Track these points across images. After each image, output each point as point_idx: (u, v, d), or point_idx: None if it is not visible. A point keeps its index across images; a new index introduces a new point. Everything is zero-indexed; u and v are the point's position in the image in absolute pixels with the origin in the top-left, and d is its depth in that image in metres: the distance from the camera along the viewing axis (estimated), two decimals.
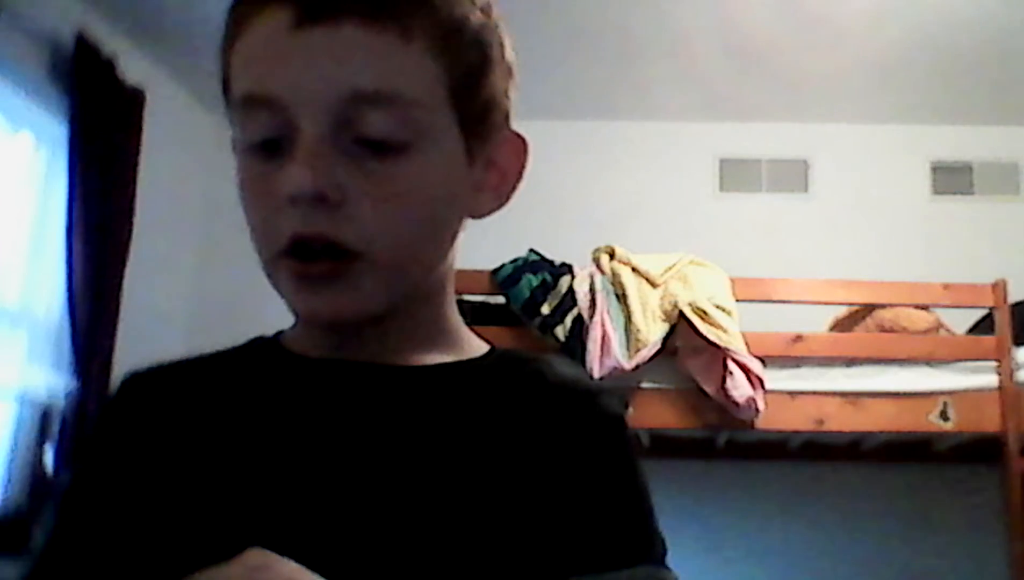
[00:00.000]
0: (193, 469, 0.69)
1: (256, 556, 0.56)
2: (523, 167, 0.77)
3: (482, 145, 0.73)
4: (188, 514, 0.67)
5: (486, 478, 0.67)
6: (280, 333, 0.78)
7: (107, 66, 3.34)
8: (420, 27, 0.66)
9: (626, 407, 0.79)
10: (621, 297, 3.06)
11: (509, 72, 0.76)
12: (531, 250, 3.26)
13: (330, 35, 0.64)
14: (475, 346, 0.78)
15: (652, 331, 2.98)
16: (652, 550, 0.71)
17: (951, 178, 4.35)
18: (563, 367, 0.77)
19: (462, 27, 0.69)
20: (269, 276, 0.70)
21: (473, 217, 0.76)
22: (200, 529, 0.66)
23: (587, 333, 2.98)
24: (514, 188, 0.78)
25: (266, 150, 0.67)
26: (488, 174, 0.75)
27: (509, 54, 0.76)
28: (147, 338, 3.62)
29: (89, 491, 0.72)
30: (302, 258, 0.66)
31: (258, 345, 0.78)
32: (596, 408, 0.74)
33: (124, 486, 0.70)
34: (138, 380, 0.77)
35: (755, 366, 2.93)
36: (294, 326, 0.77)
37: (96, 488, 0.72)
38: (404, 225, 0.67)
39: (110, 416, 0.76)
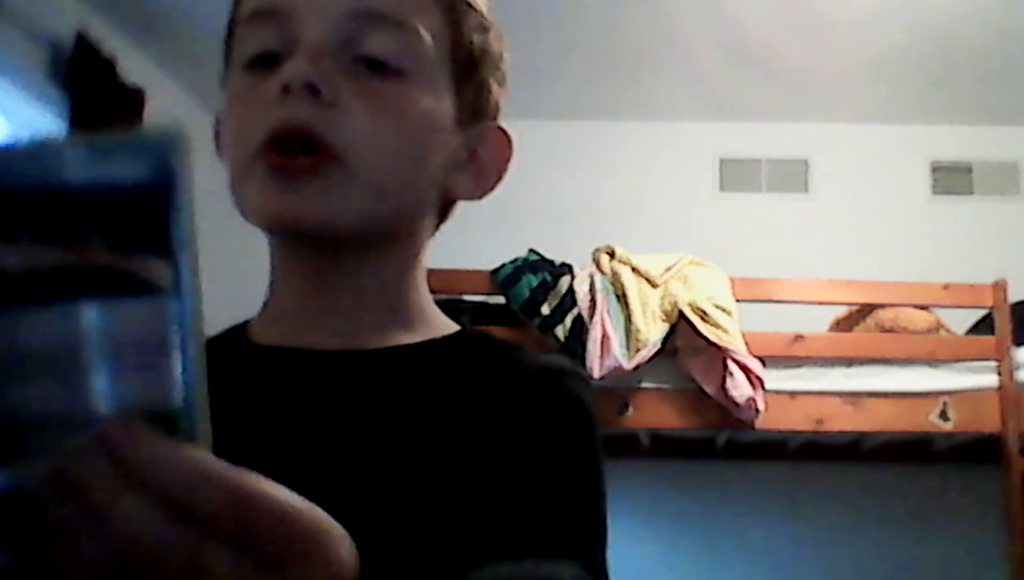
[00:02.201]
0: None
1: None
2: (506, 162, 0.77)
3: (469, 120, 0.73)
4: None
5: (429, 458, 0.65)
6: (247, 322, 0.77)
7: (107, 66, 3.34)
8: (464, 23, 0.70)
9: (588, 387, 0.72)
10: (621, 297, 3.06)
11: (503, 77, 0.77)
12: (531, 250, 3.26)
13: (367, 28, 0.66)
14: (443, 326, 0.75)
15: (652, 331, 2.98)
16: (581, 542, 0.65)
17: (951, 178, 4.35)
18: (533, 351, 0.74)
19: (471, 7, 0.72)
20: (236, 192, 0.69)
21: (447, 195, 0.75)
22: None
23: (587, 333, 2.98)
24: (495, 182, 0.77)
25: (262, 65, 0.67)
26: (470, 159, 0.75)
27: (505, 63, 0.77)
28: None
29: None
30: (281, 153, 0.64)
31: (227, 335, 0.77)
32: (557, 388, 0.70)
33: None
34: None
35: (755, 366, 2.93)
36: (260, 314, 0.76)
37: None
38: (389, 140, 0.67)
39: None
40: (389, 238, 0.71)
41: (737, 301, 3.11)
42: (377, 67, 0.66)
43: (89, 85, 3.23)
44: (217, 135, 0.75)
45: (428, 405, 0.68)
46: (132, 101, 3.48)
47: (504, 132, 0.77)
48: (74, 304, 0.35)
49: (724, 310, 3.02)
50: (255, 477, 0.36)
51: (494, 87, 0.76)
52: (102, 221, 0.36)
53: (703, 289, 3.07)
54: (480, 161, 0.75)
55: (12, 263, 0.35)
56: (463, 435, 0.66)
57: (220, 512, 0.35)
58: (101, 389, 0.36)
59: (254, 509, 0.35)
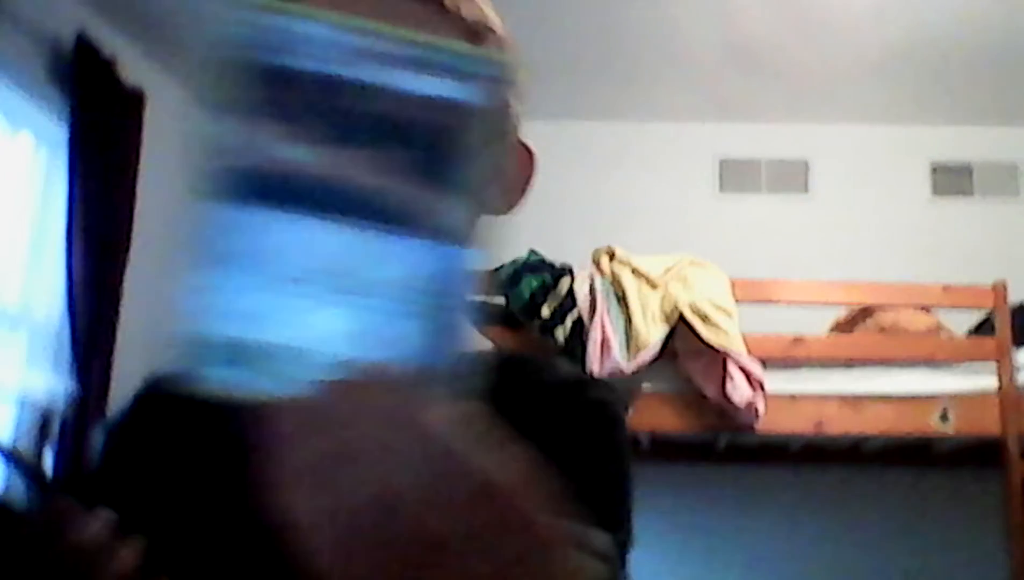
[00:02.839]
0: (185, 481, 0.71)
1: None
2: (531, 177, 0.78)
3: None
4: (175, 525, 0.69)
5: None
6: None
7: (107, 66, 3.33)
8: (455, 8, 0.70)
9: (613, 393, 0.79)
10: (621, 299, 3.05)
11: (520, 95, 0.77)
12: (531, 251, 3.26)
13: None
14: (474, 344, 0.77)
15: (652, 333, 2.98)
16: (612, 529, 0.69)
17: (951, 179, 4.35)
18: (561, 366, 0.78)
19: (491, 30, 0.73)
20: None
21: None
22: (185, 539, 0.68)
23: (587, 335, 2.98)
24: (521, 198, 0.77)
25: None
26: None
27: (523, 79, 0.78)
28: (147, 340, 3.62)
29: (110, 484, 0.75)
30: None
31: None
32: (584, 396, 0.75)
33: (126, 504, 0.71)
34: (158, 385, 0.79)
35: (755, 369, 2.92)
36: None
37: (116, 483, 0.74)
38: None
39: (122, 430, 0.78)
40: None
41: (737, 303, 3.10)
42: None
43: (89, 85, 3.23)
44: None
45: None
46: (132, 101, 3.48)
47: (527, 148, 0.78)
48: (342, 224, 0.32)
49: (724, 311, 3.02)
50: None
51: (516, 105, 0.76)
52: (395, 133, 0.32)
53: (703, 290, 3.06)
54: (506, 178, 0.76)
55: (291, 157, 0.31)
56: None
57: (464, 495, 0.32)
58: (345, 327, 0.32)
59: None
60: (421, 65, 0.32)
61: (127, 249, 3.36)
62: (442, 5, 0.68)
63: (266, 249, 0.32)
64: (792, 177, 4.40)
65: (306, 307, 0.32)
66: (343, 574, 0.31)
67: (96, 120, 3.24)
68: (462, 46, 0.33)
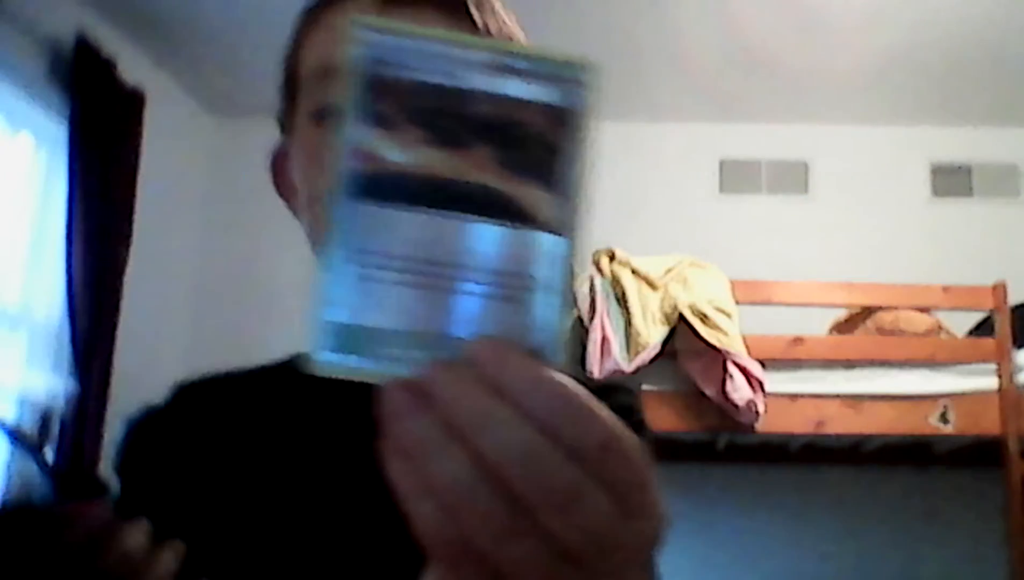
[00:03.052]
0: (225, 482, 0.72)
1: None
2: None
3: None
4: (214, 525, 0.70)
5: None
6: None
7: (107, 67, 3.34)
8: (488, 28, 0.72)
9: (639, 399, 0.81)
10: (621, 299, 3.06)
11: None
12: None
13: (413, 16, 0.70)
14: None
15: (652, 333, 2.98)
16: None
17: (951, 180, 4.35)
18: (586, 376, 0.80)
19: (517, 37, 0.77)
20: (318, 245, 0.73)
21: None
22: (223, 538, 0.69)
23: (587, 335, 2.98)
24: None
25: (331, 116, 0.70)
26: None
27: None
28: (147, 340, 3.62)
29: (134, 496, 0.76)
30: None
31: (296, 359, 0.80)
32: (609, 402, 0.75)
33: (165, 494, 0.73)
34: (188, 391, 0.80)
35: (755, 369, 2.93)
36: None
37: (140, 494, 0.75)
38: None
39: (159, 425, 0.79)
40: None
41: (737, 303, 3.10)
42: None
43: (89, 85, 3.23)
44: (274, 166, 0.81)
45: None
46: (132, 101, 3.48)
47: None
48: (457, 218, 0.35)
49: (724, 312, 3.02)
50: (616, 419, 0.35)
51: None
52: (501, 135, 0.35)
53: (703, 291, 3.07)
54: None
55: (410, 159, 0.35)
56: None
57: (596, 453, 0.33)
58: (463, 312, 0.35)
59: (622, 452, 0.34)
60: (525, 73, 0.36)
61: (127, 249, 3.36)
62: (473, 23, 0.71)
63: (390, 242, 0.35)
64: (792, 178, 4.40)
65: (422, 295, 0.35)
66: (449, 542, 0.33)
67: (96, 120, 3.24)
68: (559, 54, 0.37)
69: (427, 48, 0.35)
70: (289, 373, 0.79)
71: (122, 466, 0.78)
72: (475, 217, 0.35)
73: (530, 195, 0.36)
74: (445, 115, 0.35)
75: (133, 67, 3.53)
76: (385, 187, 0.35)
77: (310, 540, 0.68)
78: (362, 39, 0.35)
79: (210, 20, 3.57)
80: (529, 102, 0.36)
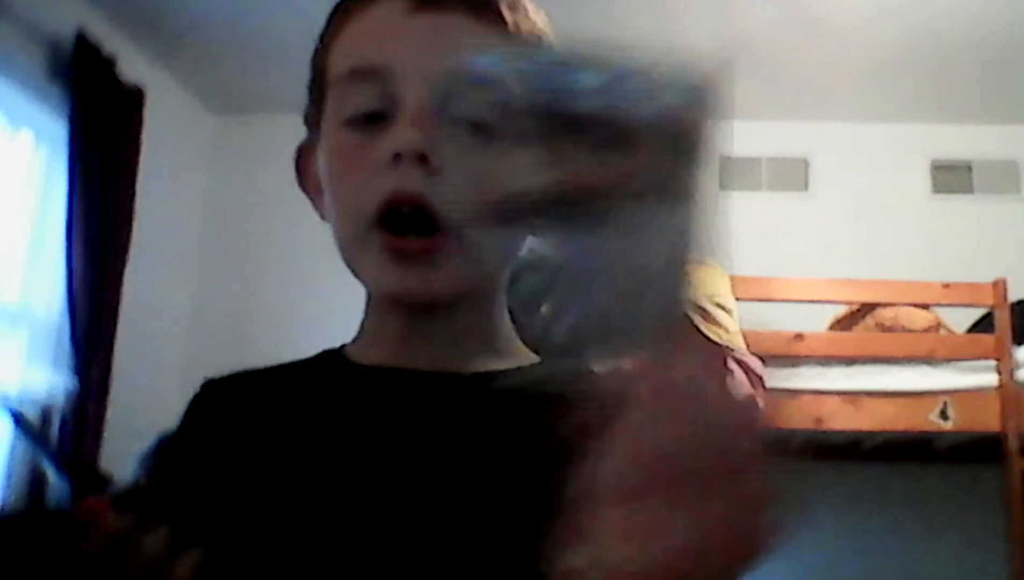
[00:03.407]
0: (261, 478, 0.72)
1: None
2: None
3: None
4: (253, 521, 0.70)
5: (521, 471, 0.69)
6: (343, 346, 0.81)
7: (107, 65, 3.34)
8: (520, 28, 0.72)
9: None
10: None
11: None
12: (530, 249, 3.25)
13: (443, 20, 0.70)
14: (528, 356, 0.79)
15: None
16: None
17: (951, 177, 4.35)
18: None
19: (542, 38, 0.76)
20: (350, 257, 0.73)
21: None
22: (263, 536, 0.69)
23: None
24: None
25: (363, 123, 0.70)
26: None
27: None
28: (147, 338, 3.63)
29: (168, 494, 0.76)
30: (394, 231, 0.68)
31: (325, 357, 0.80)
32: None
33: (199, 491, 0.73)
34: (214, 388, 0.80)
35: (756, 364, 2.93)
36: (355, 339, 0.79)
37: (174, 492, 0.75)
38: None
39: (187, 423, 0.79)
40: (484, 287, 0.77)
41: (737, 300, 3.10)
42: (475, 128, 0.69)
43: (89, 85, 3.23)
44: (298, 162, 0.80)
45: (521, 425, 0.72)
46: (132, 101, 3.48)
47: None
48: (604, 225, 0.38)
49: (724, 309, 3.02)
50: None
51: None
52: (650, 142, 0.38)
53: (704, 287, 3.07)
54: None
55: (559, 176, 0.37)
56: (549, 449, 0.71)
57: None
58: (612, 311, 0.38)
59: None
60: (658, 86, 0.38)
61: (127, 247, 3.37)
62: (506, 26, 0.71)
63: (559, 253, 0.40)
64: (792, 175, 4.40)
65: (586, 303, 0.39)
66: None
67: (96, 119, 3.24)
68: (682, 64, 0.39)
69: (579, 76, 0.38)
70: (323, 370, 0.79)
71: (157, 472, 0.79)
72: (617, 222, 0.38)
73: (670, 201, 0.38)
74: (601, 131, 0.37)
75: (133, 64, 3.53)
76: (554, 202, 0.38)
77: (363, 537, 0.68)
78: (531, 71, 0.38)
79: (210, 17, 3.57)
80: (668, 109, 0.38)
